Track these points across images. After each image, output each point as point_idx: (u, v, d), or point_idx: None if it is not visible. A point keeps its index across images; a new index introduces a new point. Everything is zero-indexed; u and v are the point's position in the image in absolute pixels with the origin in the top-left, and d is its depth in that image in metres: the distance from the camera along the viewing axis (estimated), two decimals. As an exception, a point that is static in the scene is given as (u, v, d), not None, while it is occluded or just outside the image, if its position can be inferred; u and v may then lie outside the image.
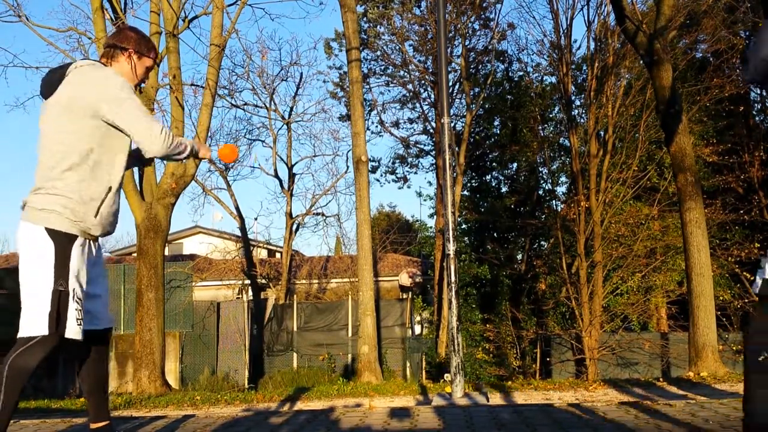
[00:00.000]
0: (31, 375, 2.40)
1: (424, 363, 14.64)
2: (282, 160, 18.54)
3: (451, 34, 16.53)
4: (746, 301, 14.74)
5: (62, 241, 2.46)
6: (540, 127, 18.14)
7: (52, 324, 2.38)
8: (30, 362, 2.37)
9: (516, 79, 19.16)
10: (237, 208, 17.63)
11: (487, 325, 16.17)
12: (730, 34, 14.40)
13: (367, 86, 18.79)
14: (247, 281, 17.66)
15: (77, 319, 2.45)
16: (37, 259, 2.43)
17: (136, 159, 2.85)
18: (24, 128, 61.52)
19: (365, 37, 18.07)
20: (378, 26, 18.65)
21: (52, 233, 2.45)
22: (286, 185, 18.04)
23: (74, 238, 2.49)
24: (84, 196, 2.50)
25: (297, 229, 18.34)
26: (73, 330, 2.44)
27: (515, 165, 19.52)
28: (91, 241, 2.64)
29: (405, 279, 18.29)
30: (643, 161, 15.37)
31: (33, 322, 2.39)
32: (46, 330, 2.37)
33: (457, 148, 15.71)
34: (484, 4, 17.47)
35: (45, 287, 2.40)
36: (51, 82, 2.57)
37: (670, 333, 14.75)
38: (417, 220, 29.16)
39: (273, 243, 21.32)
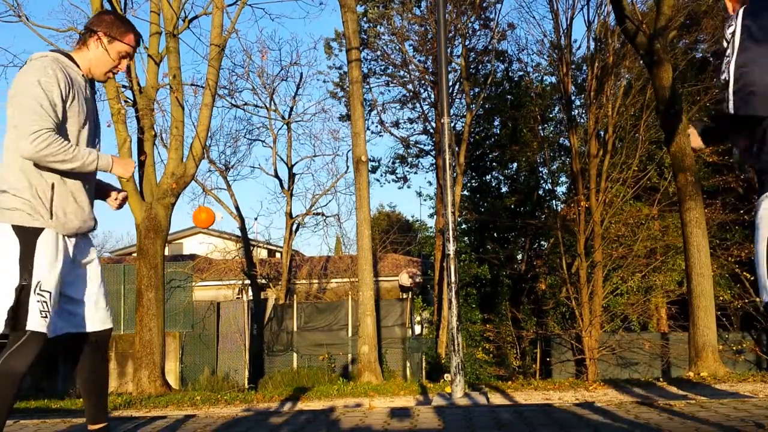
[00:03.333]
0: (21, 380, 2.35)
1: (424, 363, 14.64)
2: (282, 160, 18.55)
3: (451, 34, 16.53)
4: (746, 301, 14.74)
5: (27, 236, 2.41)
6: (540, 127, 18.15)
7: (8, 320, 2.34)
8: (17, 366, 2.33)
9: (516, 79, 19.17)
10: (237, 208, 17.63)
11: (487, 325, 16.17)
12: (730, 34, 14.38)
13: (367, 86, 18.81)
14: (247, 281, 17.66)
15: (41, 311, 2.38)
16: (3, 256, 2.39)
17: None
18: (24, 128, 61.30)
19: (365, 37, 18.07)
20: (378, 26, 18.66)
21: (17, 229, 2.41)
22: (286, 185, 18.03)
23: (39, 231, 2.44)
24: (35, 195, 2.45)
25: (297, 229, 18.34)
26: (35, 322, 2.37)
27: (515, 165, 19.52)
28: (67, 240, 2.56)
29: (405, 279, 18.28)
30: (643, 161, 15.37)
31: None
32: (3, 327, 2.34)
33: (457, 148, 15.71)
34: (484, 4, 17.48)
35: (9, 284, 2.37)
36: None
37: (670, 333, 14.75)
38: (417, 220, 29.20)
39: (273, 243, 21.34)
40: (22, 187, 2.43)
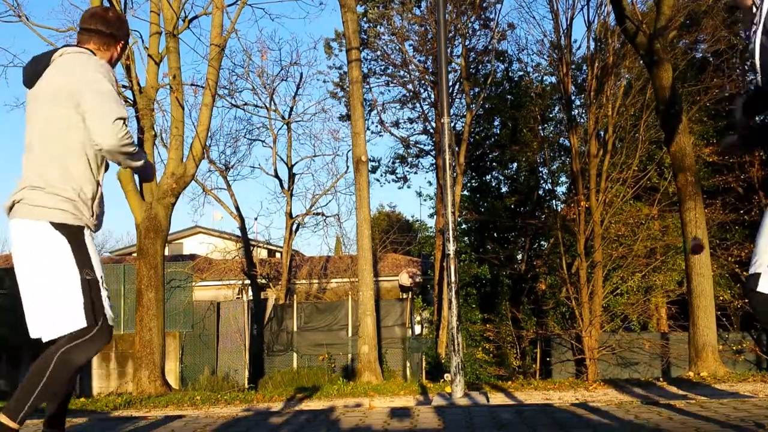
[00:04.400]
0: (77, 372, 2.34)
1: (424, 363, 14.64)
2: (282, 160, 18.54)
3: (451, 34, 16.53)
4: (746, 301, 14.72)
5: (73, 232, 2.36)
6: (540, 127, 18.14)
7: (89, 315, 2.30)
8: (77, 359, 2.28)
9: (516, 79, 19.16)
10: (237, 208, 17.63)
11: (487, 325, 16.16)
12: (730, 34, 14.40)
13: (367, 86, 18.80)
14: (247, 281, 17.65)
15: (110, 306, 2.38)
16: (51, 254, 2.31)
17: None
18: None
19: (365, 37, 18.07)
20: (378, 26, 18.66)
21: (59, 227, 2.33)
22: (286, 185, 18.03)
23: (82, 229, 2.40)
24: (81, 195, 2.40)
25: (297, 229, 18.34)
26: (110, 316, 2.38)
27: (515, 165, 19.51)
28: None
29: (405, 279, 18.28)
30: (643, 161, 15.37)
31: (67, 318, 2.28)
32: (84, 322, 2.28)
33: (457, 148, 15.71)
34: (484, 4, 17.48)
35: (71, 279, 2.30)
36: (36, 71, 2.44)
37: (670, 333, 14.74)
38: (417, 220, 29.19)
39: (273, 243, 21.32)
40: (66, 185, 2.36)
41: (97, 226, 2.53)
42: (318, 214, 18.95)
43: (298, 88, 22.33)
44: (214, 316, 15.51)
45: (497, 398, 6.72)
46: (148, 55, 10.48)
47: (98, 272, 2.38)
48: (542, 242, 19.13)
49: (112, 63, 2.64)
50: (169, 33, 10.41)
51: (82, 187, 2.41)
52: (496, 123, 19.64)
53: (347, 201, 48.96)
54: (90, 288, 2.32)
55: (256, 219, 32.95)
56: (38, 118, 2.40)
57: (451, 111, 13.31)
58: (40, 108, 2.40)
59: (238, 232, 18.67)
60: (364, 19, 18.32)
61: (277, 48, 45.79)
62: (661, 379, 8.62)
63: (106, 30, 2.58)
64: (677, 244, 13.61)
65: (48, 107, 2.38)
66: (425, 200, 24.07)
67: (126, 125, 2.38)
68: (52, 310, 2.29)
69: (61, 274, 2.30)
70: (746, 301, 14.56)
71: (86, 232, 2.42)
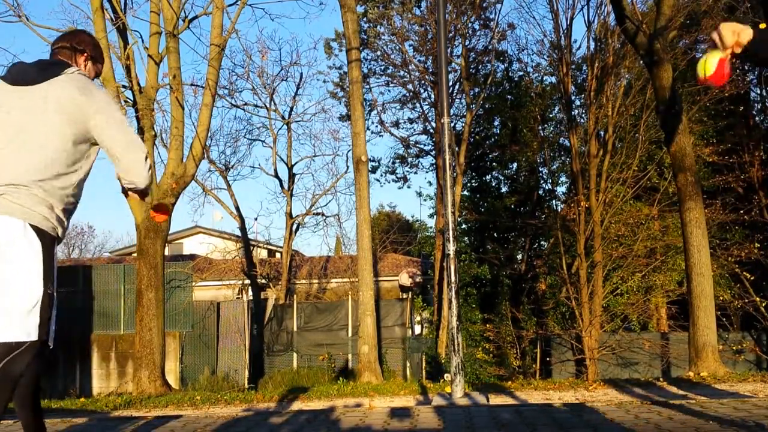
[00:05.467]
0: (16, 383, 2.22)
1: (424, 363, 14.64)
2: (282, 160, 18.55)
3: (451, 34, 16.53)
4: (746, 301, 14.73)
5: (47, 242, 2.29)
6: (540, 127, 18.14)
7: (42, 330, 2.22)
8: (16, 369, 2.19)
9: (516, 79, 19.17)
10: (237, 208, 17.63)
11: (487, 325, 16.16)
12: (730, 34, 14.37)
13: (367, 86, 18.81)
14: (247, 281, 17.66)
15: (54, 325, 2.32)
16: (22, 256, 2.22)
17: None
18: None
19: (365, 37, 18.07)
20: (378, 26, 18.66)
21: (38, 231, 2.26)
22: (286, 185, 18.04)
23: (55, 240, 2.34)
24: (62, 206, 2.36)
25: (297, 229, 18.35)
26: (51, 338, 2.30)
27: (515, 165, 19.52)
28: None
29: (405, 279, 18.28)
30: (643, 161, 15.37)
31: (20, 326, 2.19)
32: (35, 336, 2.20)
33: (457, 148, 15.71)
34: (484, 4, 17.48)
35: (35, 289, 2.22)
36: (33, 72, 2.37)
37: (670, 333, 14.74)
38: (417, 220, 29.22)
39: (273, 243, 21.33)
40: (53, 196, 2.32)
41: (61, 240, 2.47)
42: (318, 214, 18.98)
43: (298, 88, 22.47)
44: (214, 316, 15.51)
45: (497, 398, 6.72)
46: (148, 55, 10.48)
47: (55, 288, 2.32)
48: (542, 242, 19.13)
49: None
50: (169, 33, 10.41)
51: (66, 200, 2.38)
52: (496, 123, 19.66)
53: (347, 201, 49.04)
54: (49, 303, 2.26)
55: (256, 219, 33.04)
56: (35, 122, 2.31)
57: (451, 111, 13.31)
58: (41, 113, 2.31)
59: (238, 232, 18.68)
60: (364, 19, 18.32)
61: (277, 48, 45.86)
62: (661, 379, 8.62)
63: (70, 44, 2.59)
64: (677, 244, 13.60)
65: (50, 115, 2.31)
66: (425, 200, 24.11)
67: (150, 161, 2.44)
68: (6, 313, 2.19)
69: (27, 282, 2.23)
70: (746, 301, 14.60)
71: (55, 245, 2.37)
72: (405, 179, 21.33)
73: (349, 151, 17.16)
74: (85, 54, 2.61)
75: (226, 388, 12.70)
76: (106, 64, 10.03)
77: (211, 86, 10.68)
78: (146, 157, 2.45)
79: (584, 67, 16.45)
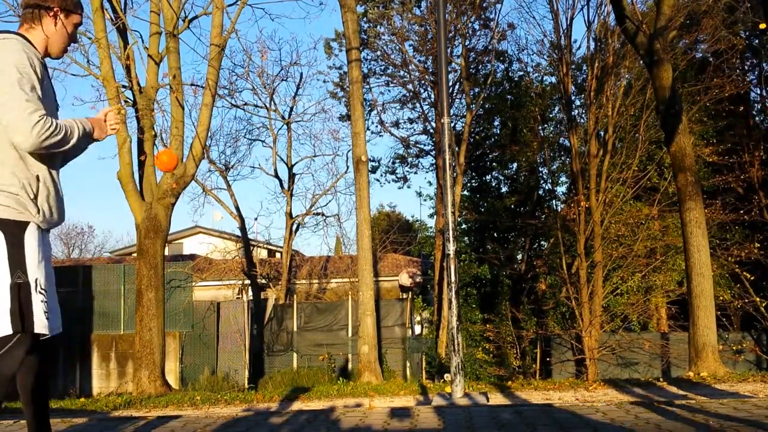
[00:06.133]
0: (11, 382, 2.16)
1: (424, 363, 14.64)
2: (282, 160, 18.55)
3: (451, 34, 16.53)
4: (746, 301, 14.74)
5: (12, 230, 2.19)
6: (540, 127, 18.14)
7: (16, 321, 2.13)
8: (5, 369, 2.12)
9: (516, 79, 19.16)
10: (237, 208, 17.63)
11: (487, 325, 16.16)
12: (730, 34, 14.39)
13: (367, 86, 18.80)
14: (247, 281, 17.66)
15: (44, 312, 2.20)
16: None
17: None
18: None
19: (365, 37, 18.07)
20: (378, 26, 18.66)
21: (0, 223, 2.18)
22: (286, 185, 18.03)
23: (25, 225, 2.23)
24: (22, 188, 2.23)
25: (297, 229, 18.34)
26: (41, 324, 2.18)
27: (515, 165, 19.51)
28: (44, 234, 2.35)
29: (405, 279, 18.28)
30: (643, 161, 15.37)
31: None
32: (9, 329, 2.12)
33: (457, 148, 15.71)
34: (484, 4, 17.48)
35: (2, 282, 2.14)
36: None
37: (670, 333, 14.75)
38: (417, 220, 29.19)
39: (273, 243, 21.33)
40: (6, 181, 2.21)
41: (51, 222, 2.36)
42: (318, 214, 18.97)
43: (298, 88, 22.42)
44: (214, 316, 15.51)
45: (497, 398, 6.72)
46: (148, 55, 10.49)
47: (34, 275, 2.20)
48: (542, 242, 19.13)
49: (55, 41, 2.45)
50: (169, 33, 10.42)
51: (24, 181, 2.24)
52: (496, 123, 19.66)
53: (347, 201, 48.98)
54: (20, 292, 2.15)
55: (256, 219, 33.01)
56: None
57: (451, 111, 13.32)
58: None
59: (238, 232, 18.68)
60: (364, 19, 18.32)
61: (277, 48, 45.87)
62: (661, 379, 8.62)
63: (35, 3, 2.39)
64: (677, 244, 13.60)
65: None
66: (425, 200, 24.10)
67: (44, 121, 2.18)
68: None
69: None
70: (746, 301, 14.61)
71: (31, 228, 2.25)
72: (405, 179, 21.34)
73: (349, 151, 17.16)
74: (54, 10, 2.42)
75: (226, 388, 12.70)
76: (105, 64, 10.11)
77: (211, 86, 10.68)
78: (33, 113, 2.16)
79: (584, 67, 16.45)
